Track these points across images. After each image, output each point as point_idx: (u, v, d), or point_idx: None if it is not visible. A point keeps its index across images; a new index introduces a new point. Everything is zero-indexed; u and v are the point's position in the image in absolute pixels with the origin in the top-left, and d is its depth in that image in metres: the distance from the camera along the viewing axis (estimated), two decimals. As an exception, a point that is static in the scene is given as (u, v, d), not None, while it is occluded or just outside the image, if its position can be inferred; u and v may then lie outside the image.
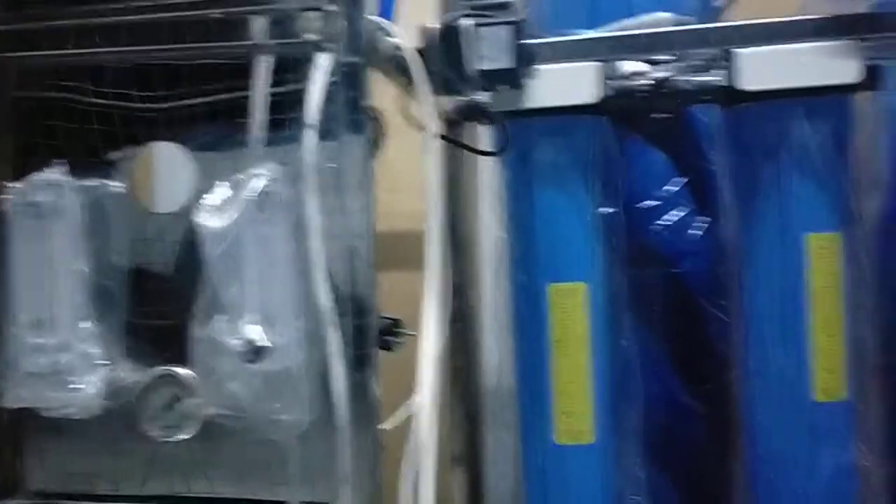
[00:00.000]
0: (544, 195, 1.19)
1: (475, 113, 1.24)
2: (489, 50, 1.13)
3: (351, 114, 1.08)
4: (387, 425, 1.17)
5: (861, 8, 1.14)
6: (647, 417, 1.27)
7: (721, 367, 1.26)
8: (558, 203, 1.19)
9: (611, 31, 1.20)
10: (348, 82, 1.07)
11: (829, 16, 1.09)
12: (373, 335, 1.09)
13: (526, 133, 1.19)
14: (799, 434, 1.14)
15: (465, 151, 1.36)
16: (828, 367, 1.13)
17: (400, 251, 1.28)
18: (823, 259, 1.13)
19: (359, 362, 1.09)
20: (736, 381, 1.22)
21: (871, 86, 1.13)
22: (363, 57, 1.09)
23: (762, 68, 1.12)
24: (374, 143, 1.23)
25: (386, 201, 1.40)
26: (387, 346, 1.24)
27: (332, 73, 1.05)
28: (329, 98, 1.05)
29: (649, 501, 1.26)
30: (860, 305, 1.16)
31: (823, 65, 1.10)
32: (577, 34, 1.22)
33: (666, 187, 1.29)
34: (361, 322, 1.09)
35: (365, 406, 1.09)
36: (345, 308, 1.06)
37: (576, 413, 1.19)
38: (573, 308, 1.19)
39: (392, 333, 1.26)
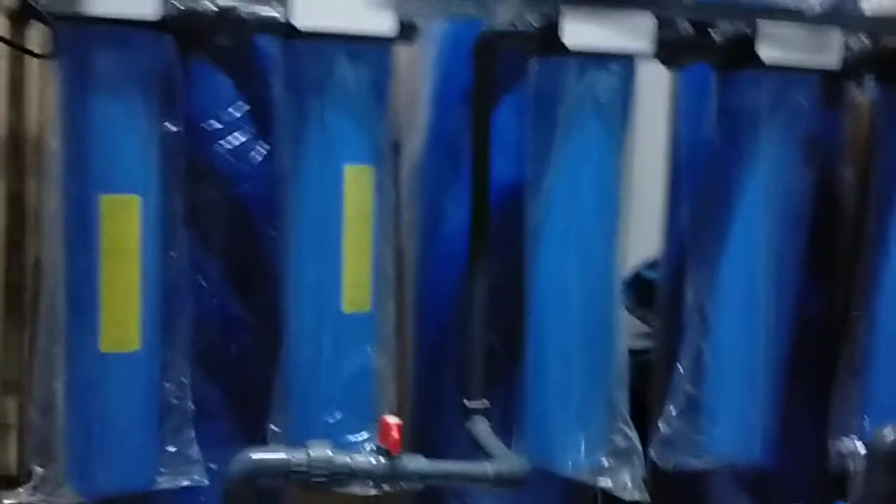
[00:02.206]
0: (99, 105, 1.18)
1: (31, 13, 1.20)
2: (44, -51, 1.09)
3: None
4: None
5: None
6: (199, 328, 1.35)
7: (271, 282, 1.37)
8: (114, 115, 1.19)
9: (175, -49, 1.21)
10: None
11: (373, -30, 1.22)
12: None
13: (84, 40, 1.17)
14: (328, 341, 1.29)
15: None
16: (355, 283, 1.29)
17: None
18: (358, 188, 1.28)
19: None
20: (281, 295, 1.34)
21: (409, 39, 1.29)
22: None
23: (315, 10, 1.21)
24: None
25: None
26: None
27: None
28: None
29: (197, 406, 1.33)
30: (387, 231, 1.33)
31: (367, 15, 1.23)
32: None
33: (229, 111, 1.36)
34: None
35: None
36: None
37: (122, 322, 1.22)
38: (125, 219, 1.21)
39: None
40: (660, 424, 1.43)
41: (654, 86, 1.51)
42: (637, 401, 1.45)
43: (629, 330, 1.66)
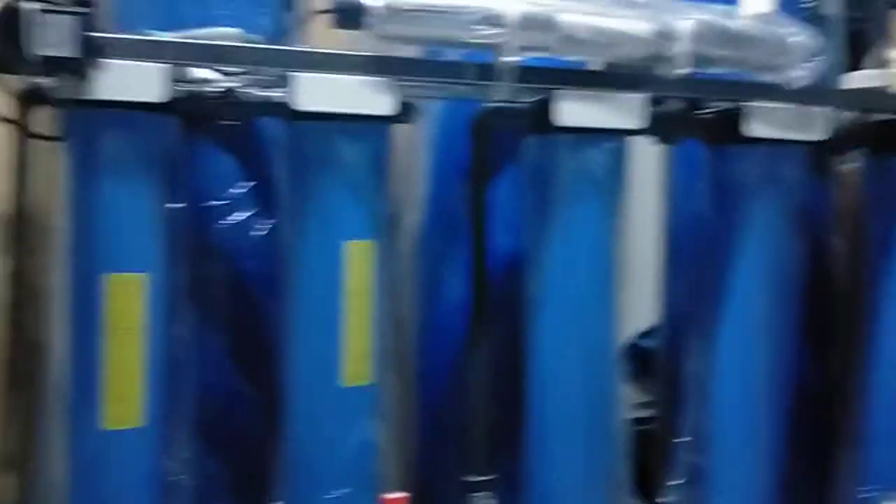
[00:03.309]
0: (106, 186, 1.21)
1: (39, 97, 1.24)
2: (55, 37, 1.13)
3: None
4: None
5: (406, 52, 1.34)
6: (201, 403, 1.36)
7: (273, 357, 1.38)
8: (120, 195, 1.22)
9: (182, 38, 1.26)
10: None
11: (372, 54, 1.26)
12: None
13: (92, 124, 1.21)
14: (328, 415, 1.30)
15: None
16: (355, 357, 1.30)
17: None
18: (358, 263, 1.30)
19: None
20: (282, 370, 1.35)
21: (405, 119, 1.33)
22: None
23: (316, 92, 1.25)
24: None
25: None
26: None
27: None
28: None
29: (199, 482, 1.33)
30: (386, 304, 1.34)
31: (366, 96, 1.27)
32: (153, 35, 1.26)
33: (232, 190, 1.39)
34: None
35: None
36: None
37: (125, 398, 1.23)
38: (130, 297, 1.23)
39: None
40: (663, 496, 1.43)
41: (648, 157, 1.54)
42: (638, 471, 1.45)
43: (627, 399, 1.66)
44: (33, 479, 1.43)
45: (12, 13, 1.12)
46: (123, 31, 1.26)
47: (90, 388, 1.22)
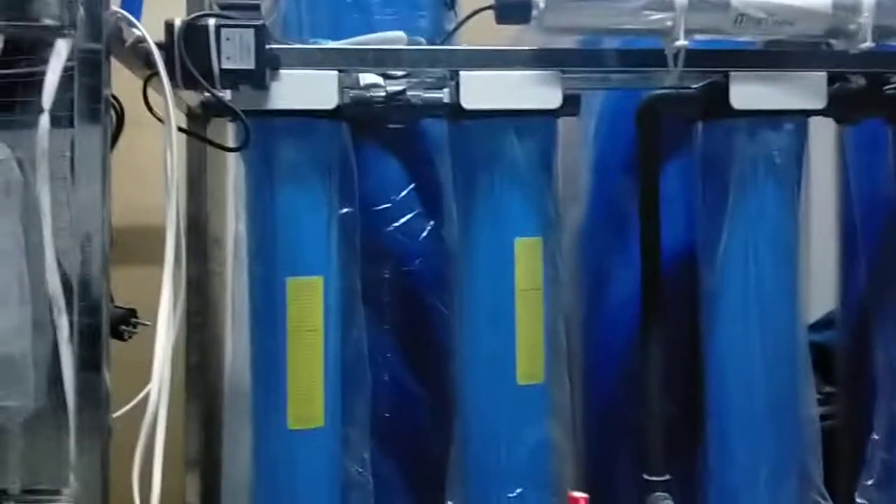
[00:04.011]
0: (283, 193, 1.25)
1: (219, 109, 1.29)
2: (233, 50, 1.17)
3: (89, 102, 1.08)
4: (118, 414, 1.17)
5: (566, 44, 1.33)
6: (375, 403, 1.37)
7: (444, 356, 1.38)
8: (297, 201, 1.26)
9: (349, 44, 1.28)
10: (87, 70, 1.07)
11: (538, 48, 1.25)
12: (104, 324, 1.09)
13: (268, 133, 1.25)
14: (503, 414, 1.29)
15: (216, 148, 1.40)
16: (529, 355, 1.29)
17: (144, 245, 1.29)
18: (528, 260, 1.29)
19: (90, 350, 1.08)
20: (455, 369, 1.35)
21: (571, 112, 1.31)
22: (104, 45, 1.09)
23: (482, 90, 1.25)
24: (114, 134, 1.23)
25: (132, 195, 1.40)
26: (120, 336, 1.24)
27: (70, 59, 1.05)
28: (66, 85, 1.05)
29: (375, 481, 1.35)
30: (557, 301, 1.33)
31: (531, 90, 1.25)
32: (320, 44, 1.30)
33: (399, 192, 1.41)
34: (92, 310, 1.09)
35: (95, 394, 1.09)
36: (76, 296, 1.06)
37: (308, 398, 1.26)
38: (310, 300, 1.26)
39: (127, 323, 1.26)
40: (856, 497, 1.35)
41: (823, 140, 1.46)
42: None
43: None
44: (217, 480, 1.48)
45: (193, 29, 1.16)
46: (292, 42, 1.30)
47: (275, 389, 1.26)
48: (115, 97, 1.20)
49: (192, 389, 1.61)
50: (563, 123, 1.39)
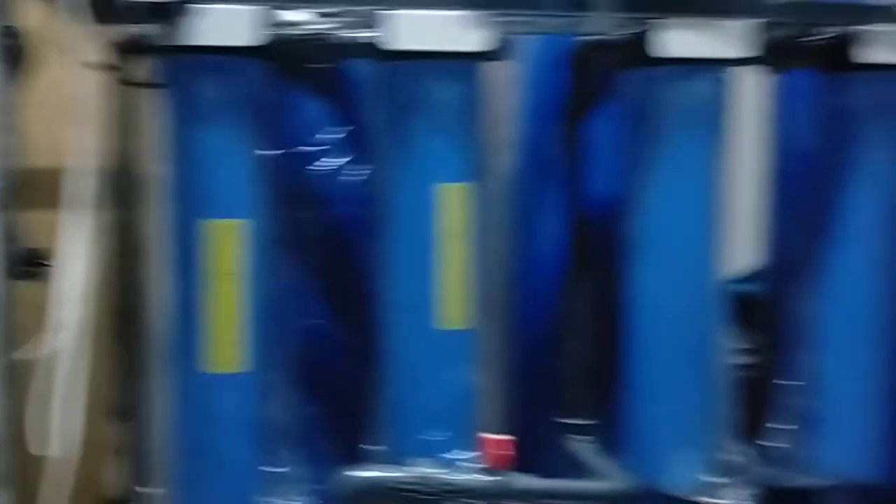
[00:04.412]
0: (202, 133, 1.22)
1: (136, 45, 1.24)
2: (147, -18, 1.13)
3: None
4: (20, 355, 1.14)
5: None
6: (300, 348, 1.36)
7: (368, 301, 1.37)
8: (216, 141, 1.22)
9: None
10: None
11: (465, -11, 1.22)
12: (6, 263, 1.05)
13: (187, 70, 1.21)
14: (425, 358, 1.29)
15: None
16: (450, 300, 1.28)
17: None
18: (452, 206, 1.28)
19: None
20: (379, 314, 1.34)
21: (500, 56, 1.28)
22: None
23: (407, 30, 1.22)
24: (17, 68, 1.17)
25: (58, 136, 1.34)
26: (30, 276, 1.20)
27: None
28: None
29: (299, 426, 1.35)
30: (483, 247, 1.32)
31: (459, 33, 1.23)
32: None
33: (324, 135, 1.38)
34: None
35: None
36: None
37: (227, 342, 1.24)
38: (228, 243, 1.24)
39: (31, 264, 1.22)
40: (768, 442, 1.39)
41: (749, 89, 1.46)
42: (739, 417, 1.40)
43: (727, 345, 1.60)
44: (139, 426, 1.46)
45: (107, -39, 1.11)
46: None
47: (192, 332, 1.24)
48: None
49: (118, 335, 1.58)
50: (496, 66, 1.37)
